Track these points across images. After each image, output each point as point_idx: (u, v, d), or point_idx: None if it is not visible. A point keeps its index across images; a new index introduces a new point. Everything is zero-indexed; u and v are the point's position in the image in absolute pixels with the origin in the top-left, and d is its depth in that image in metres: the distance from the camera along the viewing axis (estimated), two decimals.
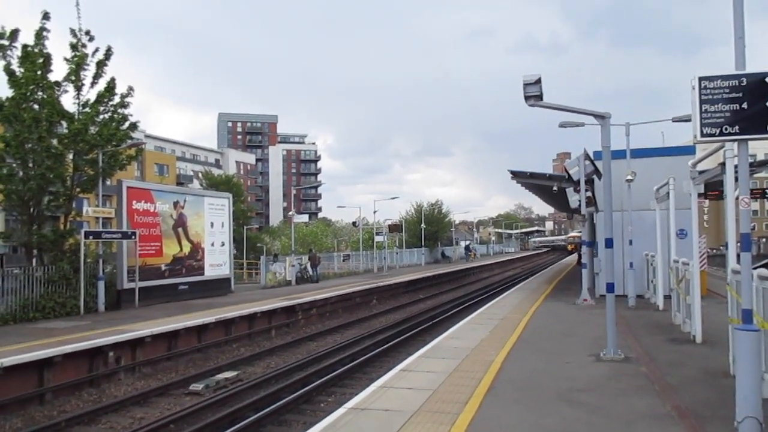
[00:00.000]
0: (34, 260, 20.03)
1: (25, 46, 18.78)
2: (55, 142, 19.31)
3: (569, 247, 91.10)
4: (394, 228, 52.56)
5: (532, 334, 13.15)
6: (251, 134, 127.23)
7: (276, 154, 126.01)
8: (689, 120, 6.59)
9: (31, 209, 19.13)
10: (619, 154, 18.26)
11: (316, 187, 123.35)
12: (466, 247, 69.80)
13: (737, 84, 6.11)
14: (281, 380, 12.88)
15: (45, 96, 19.03)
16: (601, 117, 10.69)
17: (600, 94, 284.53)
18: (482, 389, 8.16)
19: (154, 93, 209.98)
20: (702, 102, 6.23)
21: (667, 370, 9.34)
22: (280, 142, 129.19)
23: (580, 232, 38.19)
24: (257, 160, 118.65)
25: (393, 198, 55.13)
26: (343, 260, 44.93)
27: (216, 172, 79.23)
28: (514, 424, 6.70)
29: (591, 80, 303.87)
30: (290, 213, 41.07)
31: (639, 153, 19.90)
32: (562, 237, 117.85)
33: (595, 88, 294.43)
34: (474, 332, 13.44)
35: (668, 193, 14.50)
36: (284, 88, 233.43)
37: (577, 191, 17.48)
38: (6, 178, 18.31)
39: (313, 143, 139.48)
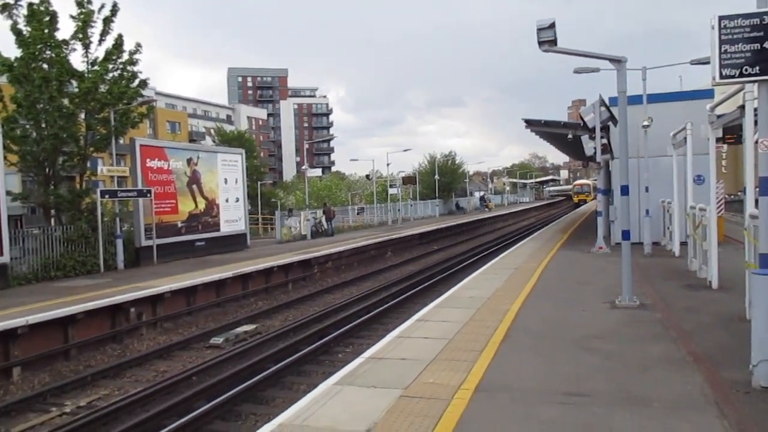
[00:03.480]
0: (52, 220, 20.29)
1: (30, 5, 18.56)
2: (66, 101, 19.28)
3: (575, 198, 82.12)
4: (407, 180, 52.47)
5: (546, 282, 13.19)
6: (262, 89, 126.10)
7: (287, 108, 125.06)
8: (708, 62, 6.41)
9: (47, 170, 19.27)
10: (635, 100, 17.88)
11: (328, 141, 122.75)
12: (482, 198, 69.57)
13: (759, 23, 5.93)
14: (299, 332, 13.10)
15: (53, 55, 18.89)
16: (617, 61, 10.43)
17: (617, 38, 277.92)
18: (497, 338, 8.24)
19: (163, 49, 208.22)
20: (722, 42, 6.06)
21: (682, 315, 9.36)
22: (291, 96, 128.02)
23: (596, 179, 37.83)
24: (269, 114, 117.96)
25: (406, 150, 55.18)
26: (358, 213, 45.04)
27: (228, 128, 79.17)
28: (530, 371, 6.78)
29: (608, 24, 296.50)
30: (303, 167, 41.08)
31: (656, 98, 19.51)
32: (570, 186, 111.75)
33: (612, 31, 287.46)
34: (489, 282, 13.51)
35: (685, 138, 14.28)
36: (294, 41, 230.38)
37: (593, 138, 17.26)
38: (20, 139, 18.38)
39: (325, 96, 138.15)
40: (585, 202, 75.37)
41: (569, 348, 7.68)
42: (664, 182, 18.18)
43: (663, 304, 10.36)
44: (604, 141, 18.26)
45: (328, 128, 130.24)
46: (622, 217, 11.14)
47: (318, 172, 49.85)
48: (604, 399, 5.77)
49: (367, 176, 51.90)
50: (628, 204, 11.07)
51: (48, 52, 18.86)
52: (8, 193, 17.25)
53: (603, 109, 16.38)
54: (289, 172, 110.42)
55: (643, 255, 17.27)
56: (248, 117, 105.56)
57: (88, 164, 20.86)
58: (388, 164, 47.14)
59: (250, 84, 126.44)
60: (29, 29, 18.50)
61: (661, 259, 16.59)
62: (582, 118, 17.55)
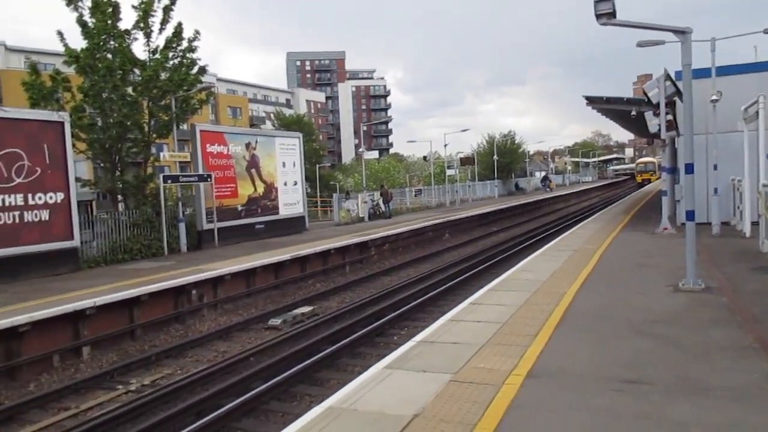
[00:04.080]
0: (120, 205, 21.08)
1: None
2: (129, 90, 19.93)
3: (638, 178, 75.57)
4: (466, 161, 51.92)
5: (606, 265, 12.82)
6: (320, 72, 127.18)
7: (345, 90, 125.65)
8: None
9: (113, 156, 20.01)
10: (703, 73, 17.07)
11: (386, 123, 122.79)
12: (545, 178, 68.10)
13: None
14: (355, 314, 13.20)
15: (116, 45, 19.51)
16: (681, 32, 9.91)
17: (687, 5, 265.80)
18: (553, 321, 8.05)
19: (225, 36, 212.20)
20: None
21: (751, 299, 8.92)
22: (348, 79, 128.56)
23: (661, 157, 36.44)
24: (327, 98, 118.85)
25: (464, 130, 54.38)
26: (415, 195, 44.89)
27: (287, 112, 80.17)
28: (585, 356, 6.60)
29: None
30: (360, 150, 41.21)
31: (725, 70, 18.52)
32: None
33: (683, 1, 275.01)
34: (546, 264, 13.24)
35: (758, 112, 13.52)
36: (352, 23, 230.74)
37: (657, 115, 16.63)
38: (87, 127, 19.11)
39: (382, 78, 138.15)
40: (649, 181, 69.82)
41: (628, 333, 7.43)
42: (734, 159, 17.27)
43: (730, 287, 9.89)
44: (670, 117, 17.54)
45: (386, 110, 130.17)
46: (687, 197, 10.66)
47: (375, 154, 50.00)
48: (662, 387, 5.55)
49: (425, 157, 51.63)
50: (693, 183, 10.59)
51: (111, 43, 19.50)
52: (78, 179, 18.00)
53: (668, 83, 15.75)
54: (347, 154, 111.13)
55: (710, 235, 16.54)
56: (307, 100, 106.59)
57: (152, 150, 21.54)
58: (445, 145, 46.63)
59: (308, 68, 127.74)
60: (94, 21, 19.13)
61: (730, 240, 15.85)
62: (646, 94, 16.91)
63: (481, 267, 18.39)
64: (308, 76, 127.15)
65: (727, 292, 9.52)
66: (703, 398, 5.25)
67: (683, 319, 7.97)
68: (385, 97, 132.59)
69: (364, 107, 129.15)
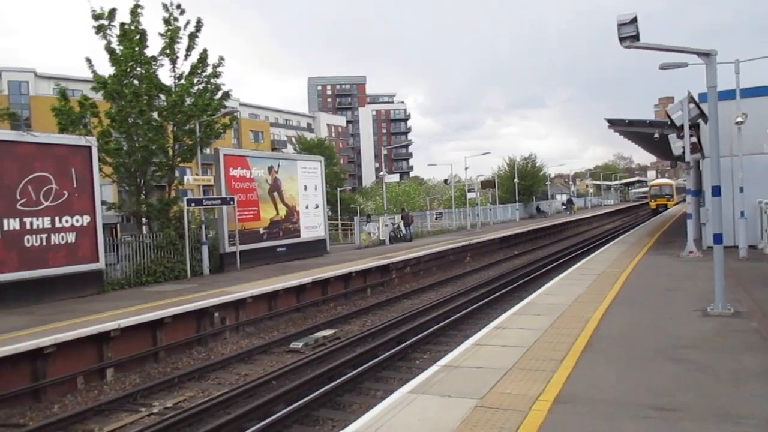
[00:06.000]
0: (144, 228, 21.32)
1: (122, 24, 19.62)
2: (155, 114, 20.27)
3: (652, 203, 65.09)
4: (486, 184, 51.78)
5: (632, 289, 12.64)
6: (341, 96, 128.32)
7: (366, 115, 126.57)
8: None
9: (138, 180, 20.29)
10: (728, 95, 16.93)
11: (406, 146, 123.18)
12: (569, 200, 67.77)
13: None
14: (377, 338, 13.12)
15: (143, 71, 19.90)
16: (706, 55, 9.87)
17: (709, 30, 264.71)
18: (579, 346, 7.94)
19: (247, 60, 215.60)
20: None
21: None
22: (369, 103, 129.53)
23: (684, 180, 36.05)
24: (348, 122, 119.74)
25: (485, 154, 54.92)
26: (436, 218, 44.80)
27: (308, 136, 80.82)
28: (613, 382, 6.48)
29: (698, 13, 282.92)
30: (381, 173, 41.33)
31: (750, 92, 18.37)
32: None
33: (703, 21, 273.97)
34: (570, 288, 13.09)
35: None
36: (372, 48, 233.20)
37: (681, 137, 16.47)
38: (113, 152, 19.43)
39: (402, 102, 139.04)
40: (666, 207, 60.18)
41: (656, 358, 7.29)
42: (760, 181, 17.11)
43: (761, 312, 9.68)
44: (694, 139, 17.39)
45: (406, 134, 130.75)
46: (714, 220, 10.51)
47: (396, 177, 49.98)
48: (693, 414, 5.43)
49: (446, 181, 51.60)
50: (720, 205, 10.45)
51: (138, 69, 19.88)
52: (104, 202, 18.26)
53: (692, 106, 15.63)
54: (368, 177, 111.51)
55: (738, 259, 16.26)
56: (328, 124, 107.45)
57: (176, 174, 21.81)
58: (466, 168, 46.46)
59: (329, 92, 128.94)
60: (121, 48, 19.55)
61: (758, 264, 15.56)
62: (669, 116, 16.79)
63: (503, 291, 18.22)
64: (329, 100, 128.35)
65: (757, 316, 9.32)
66: (736, 426, 5.12)
67: (713, 345, 7.81)
68: (405, 120, 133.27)
69: (384, 131, 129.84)
